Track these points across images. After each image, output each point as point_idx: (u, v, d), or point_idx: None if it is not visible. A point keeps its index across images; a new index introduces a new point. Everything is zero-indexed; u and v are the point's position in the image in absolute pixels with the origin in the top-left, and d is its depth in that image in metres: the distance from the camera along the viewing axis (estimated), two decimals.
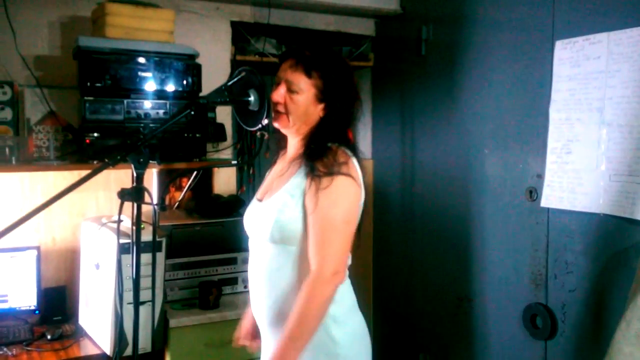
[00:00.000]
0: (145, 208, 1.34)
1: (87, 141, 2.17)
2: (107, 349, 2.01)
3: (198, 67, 2.36)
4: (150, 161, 1.32)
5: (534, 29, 2.15)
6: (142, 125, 2.23)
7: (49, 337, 2.12)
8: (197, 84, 2.35)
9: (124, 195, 1.29)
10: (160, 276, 2.09)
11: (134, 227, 1.32)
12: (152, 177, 2.64)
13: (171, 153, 2.31)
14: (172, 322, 2.18)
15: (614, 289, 1.89)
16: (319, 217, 1.48)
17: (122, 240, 1.78)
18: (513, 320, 2.26)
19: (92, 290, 2.14)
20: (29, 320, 2.27)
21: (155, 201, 1.36)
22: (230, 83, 1.54)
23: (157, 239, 2.02)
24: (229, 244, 2.53)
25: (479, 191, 2.44)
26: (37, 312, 2.29)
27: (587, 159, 1.95)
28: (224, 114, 2.75)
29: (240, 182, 2.95)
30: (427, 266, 2.78)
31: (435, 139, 2.70)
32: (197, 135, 2.38)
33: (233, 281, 2.50)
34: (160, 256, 2.07)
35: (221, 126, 2.70)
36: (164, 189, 2.71)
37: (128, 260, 1.87)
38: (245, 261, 2.47)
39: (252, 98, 1.55)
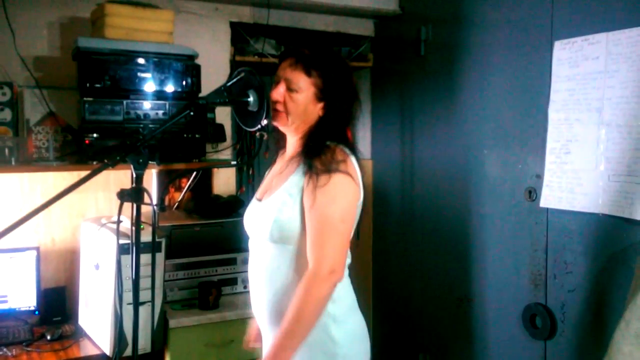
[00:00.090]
0: (144, 209, 1.34)
1: (87, 142, 2.18)
2: (107, 350, 2.01)
3: (197, 68, 2.36)
4: (150, 162, 1.32)
5: (533, 29, 2.15)
6: (141, 125, 2.23)
7: (48, 337, 2.12)
8: (196, 85, 2.35)
9: (123, 195, 1.29)
10: (159, 277, 2.10)
11: (134, 228, 1.32)
12: (151, 178, 2.64)
13: (170, 154, 2.32)
14: (172, 323, 2.19)
15: (613, 288, 1.89)
16: (317, 214, 1.48)
17: (121, 241, 1.79)
18: (512, 320, 2.26)
19: (92, 290, 2.14)
20: (29, 320, 2.28)
21: (154, 202, 1.36)
22: (229, 84, 1.54)
23: (157, 240, 2.02)
24: (229, 245, 2.53)
25: (478, 191, 2.44)
26: (36, 312, 2.29)
27: (586, 159, 1.95)
28: (223, 115, 2.75)
29: (239, 182, 2.95)
30: (426, 266, 2.78)
31: (435, 139, 2.70)
32: (197, 135, 2.38)
33: (232, 281, 2.50)
34: (160, 257, 2.07)
35: (220, 127, 2.70)
36: (163, 190, 2.71)
37: (128, 260, 1.87)
38: (244, 262, 2.48)
39: (251, 99, 1.55)
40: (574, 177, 1.99)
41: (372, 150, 3.22)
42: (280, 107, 1.57)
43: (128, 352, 1.87)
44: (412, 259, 2.88)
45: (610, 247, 1.90)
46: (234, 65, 2.78)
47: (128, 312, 1.89)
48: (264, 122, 1.54)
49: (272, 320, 1.58)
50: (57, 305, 2.33)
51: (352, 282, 1.66)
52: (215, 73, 2.66)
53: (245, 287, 2.50)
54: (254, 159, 2.91)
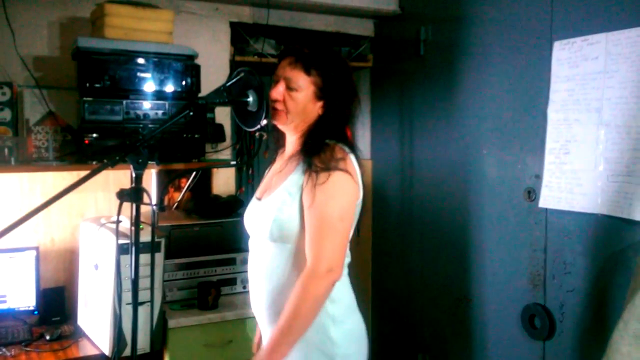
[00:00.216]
0: (144, 208, 1.34)
1: (86, 142, 2.18)
2: (106, 350, 2.01)
3: (197, 68, 2.36)
4: (149, 162, 1.32)
5: (533, 30, 2.16)
6: (141, 125, 2.23)
7: (47, 337, 2.12)
8: (196, 85, 2.35)
9: (122, 195, 1.30)
10: (159, 277, 2.10)
11: (133, 228, 1.32)
12: (151, 178, 2.64)
13: (170, 154, 2.32)
14: (171, 323, 2.18)
15: (612, 289, 1.89)
16: (315, 212, 1.48)
17: (121, 241, 1.79)
18: (511, 321, 2.26)
19: (91, 290, 2.14)
20: (28, 320, 2.28)
21: (154, 202, 1.36)
22: (229, 84, 1.55)
23: (156, 240, 2.02)
24: (228, 245, 2.53)
25: (477, 191, 2.44)
26: (36, 312, 2.29)
27: (585, 159, 1.95)
28: (223, 115, 2.75)
29: (239, 182, 2.95)
30: (425, 266, 2.78)
31: (434, 139, 2.70)
32: (196, 135, 2.38)
33: (232, 282, 2.50)
34: (159, 257, 2.07)
35: (220, 127, 2.70)
36: (162, 190, 2.71)
37: (127, 260, 1.87)
38: (244, 262, 2.48)
39: (250, 99, 1.55)
40: (573, 177, 1.99)
41: (372, 150, 3.22)
42: (279, 106, 1.58)
43: (127, 352, 1.87)
44: (411, 259, 2.88)
45: (609, 247, 1.90)
46: (234, 65, 2.78)
47: (127, 312, 1.89)
48: (264, 122, 1.55)
49: (271, 319, 1.58)
50: (56, 305, 2.33)
51: (352, 282, 1.66)
52: (215, 73, 2.67)
53: (244, 287, 2.50)
54: (253, 159, 2.90)
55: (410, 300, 2.89)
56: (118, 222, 1.43)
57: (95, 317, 2.10)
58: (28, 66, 2.35)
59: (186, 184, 2.78)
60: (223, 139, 2.73)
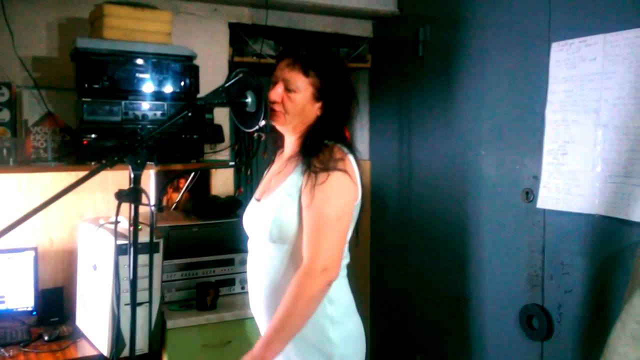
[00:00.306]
0: (142, 209, 1.34)
1: (85, 142, 2.18)
2: (105, 350, 2.01)
3: (196, 69, 2.36)
4: (148, 162, 1.33)
5: (530, 31, 2.16)
6: (139, 126, 2.23)
7: (46, 338, 2.12)
8: (194, 86, 2.35)
9: (121, 196, 1.30)
10: (157, 277, 2.09)
11: (132, 229, 1.32)
12: (149, 179, 2.64)
13: (169, 154, 2.32)
14: (170, 323, 2.18)
15: (610, 289, 1.90)
16: (313, 212, 1.49)
17: (119, 242, 1.78)
18: (509, 321, 2.26)
19: (90, 291, 2.14)
20: (26, 321, 2.27)
21: (152, 202, 1.36)
22: (227, 84, 1.55)
23: (155, 240, 2.02)
24: (227, 245, 2.53)
25: (475, 192, 2.45)
26: (34, 313, 2.29)
27: (583, 160, 1.96)
28: (221, 115, 2.75)
29: (238, 183, 2.95)
30: (424, 267, 2.79)
31: (433, 140, 2.71)
32: (195, 136, 2.38)
33: (230, 282, 2.50)
34: (158, 257, 2.07)
35: (219, 127, 2.71)
36: (161, 190, 2.71)
37: (125, 261, 1.87)
38: (242, 262, 2.48)
39: (249, 100, 1.56)
40: (571, 178, 2.00)
41: (370, 150, 3.23)
42: (278, 107, 1.58)
43: (125, 352, 1.87)
44: (410, 259, 2.88)
45: (606, 248, 1.90)
46: (233, 66, 2.79)
47: (126, 312, 1.88)
48: (262, 123, 1.55)
49: (269, 319, 1.58)
50: (55, 305, 2.32)
51: (350, 283, 1.66)
52: (213, 74, 2.67)
53: (243, 287, 2.50)
54: (252, 160, 2.91)
55: (409, 301, 2.89)
56: (117, 222, 1.43)
57: (94, 317, 2.10)
58: (27, 67, 2.35)
59: (185, 184, 2.78)
60: (222, 140, 2.73)
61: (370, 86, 3.23)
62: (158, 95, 2.29)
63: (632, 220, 1.79)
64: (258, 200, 1.67)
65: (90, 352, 2.07)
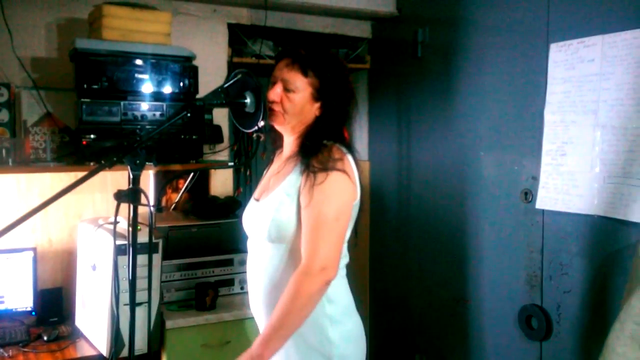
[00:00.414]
0: (141, 209, 1.34)
1: (84, 143, 2.18)
2: (104, 350, 2.01)
3: (195, 69, 2.36)
4: (147, 163, 1.33)
5: (529, 32, 2.17)
6: (138, 127, 2.23)
7: (45, 338, 2.12)
8: (193, 86, 2.35)
9: (120, 196, 1.30)
10: (156, 277, 2.10)
11: (131, 229, 1.32)
12: (148, 179, 2.64)
13: (168, 155, 2.32)
14: (169, 324, 2.19)
15: (609, 290, 1.90)
16: (312, 212, 1.49)
17: (118, 242, 1.79)
18: (509, 321, 2.26)
19: (89, 291, 2.14)
20: (26, 321, 2.27)
21: (151, 203, 1.36)
22: (226, 85, 1.55)
23: (154, 241, 2.02)
24: (226, 246, 2.53)
25: (474, 193, 2.45)
26: (33, 313, 2.29)
27: (581, 161, 1.96)
28: (220, 116, 2.76)
29: (237, 183, 2.95)
30: (423, 267, 2.79)
31: (431, 141, 2.71)
32: (194, 137, 2.39)
33: (230, 282, 2.51)
34: (157, 258, 2.07)
35: (218, 128, 2.71)
36: (160, 191, 2.71)
37: (124, 261, 1.86)
38: (241, 263, 2.48)
39: (248, 100, 1.56)
40: (569, 178, 2.00)
41: (370, 151, 3.23)
42: (277, 107, 1.58)
43: (125, 352, 1.87)
44: (409, 260, 2.88)
45: (605, 248, 1.91)
46: (232, 66, 2.79)
47: (125, 313, 1.88)
48: (261, 123, 1.55)
49: (269, 318, 1.59)
50: (54, 306, 2.33)
51: (349, 283, 1.66)
52: (212, 74, 2.67)
53: (242, 288, 2.50)
54: (251, 160, 2.91)
55: (408, 301, 2.90)
56: (116, 223, 1.43)
57: (93, 317, 2.10)
58: (26, 67, 2.35)
59: (184, 185, 2.78)
60: (221, 140, 2.73)
61: (369, 87, 3.23)
62: (157, 96, 2.29)
63: (630, 221, 1.79)
64: (257, 200, 1.67)
65: (90, 352, 2.07)
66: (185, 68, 2.33)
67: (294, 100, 1.57)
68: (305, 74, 1.57)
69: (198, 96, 2.37)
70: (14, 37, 2.30)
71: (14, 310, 2.26)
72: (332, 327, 1.56)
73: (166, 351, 2.18)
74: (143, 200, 1.31)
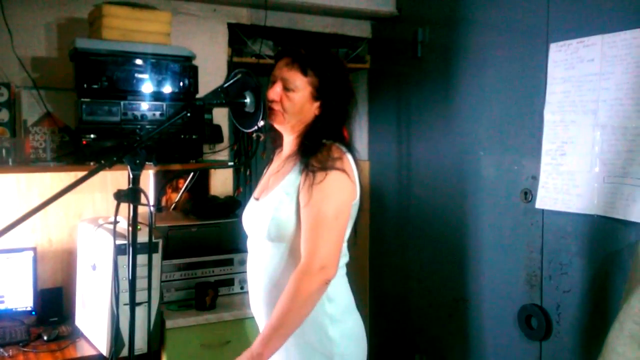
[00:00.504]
0: (141, 209, 1.34)
1: (84, 142, 2.18)
2: (104, 350, 2.02)
3: (195, 69, 2.36)
4: (147, 162, 1.33)
5: (529, 32, 2.17)
6: (138, 126, 2.23)
7: (45, 338, 2.12)
8: (193, 86, 2.35)
9: (120, 196, 1.30)
10: (156, 277, 2.10)
11: (130, 229, 1.32)
12: (148, 179, 2.65)
13: (168, 154, 2.32)
14: (169, 323, 2.19)
15: (608, 289, 1.90)
16: (311, 211, 1.49)
17: (118, 242, 1.79)
18: (508, 321, 2.27)
19: (89, 291, 2.14)
20: (26, 321, 2.27)
21: (151, 202, 1.36)
22: (226, 85, 1.55)
23: (154, 240, 2.02)
24: (226, 246, 2.53)
25: (474, 193, 2.45)
26: (33, 313, 2.29)
27: (581, 160, 1.96)
28: (220, 116, 2.76)
29: (237, 183, 2.95)
30: (423, 267, 2.79)
31: (431, 141, 2.71)
32: (194, 136, 2.39)
33: (229, 282, 2.51)
34: (157, 257, 2.08)
35: (218, 127, 2.71)
36: (160, 191, 2.71)
37: (124, 261, 1.86)
38: (241, 263, 2.48)
39: (248, 100, 1.56)
40: (569, 178, 2.00)
41: (369, 151, 3.23)
42: (276, 107, 1.58)
43: (125, 352, 1.87)
44: (409, 260, 2.88)
45: (605, 248, 1.91)
46: (232, 66, 2.79)
47: (125, 312, 1.88)
48: (261, 123, 1.55)
49: (269, 318, 1.59)
50: (54, 305, 2.33)
51: (349, 282, 1.67)
52: (212, 74, 2.67)
53: (242, 287, 2.50)
54: (251, 160, 2.91)
55: (408, 301, 2.90)
56: (115, 222, 1.43)
57: (93, 317, 2.10)
58: (26, 67, 2.35)
59: (184, 184, 2.78)
60: (221, 140, 2.73)
61: (369, 87, 3.23)
62: (157, 96, 2.29)
63: (630, 221, 1.79)
64: (257, 199, 1.67)
65: (90, 352, 2.07)
66: (185, 68, 2.33)
67: (294, 100, 1.57)
68: (304, 73, 1.57)
69: (198, 96, 2.37)
70: (14, 37, 2.30)
71: (14, 310, 2.26)
72: (332, 326, 1.56)
73: (166, 351, 2.19)
74: (143, 200, 1.31)
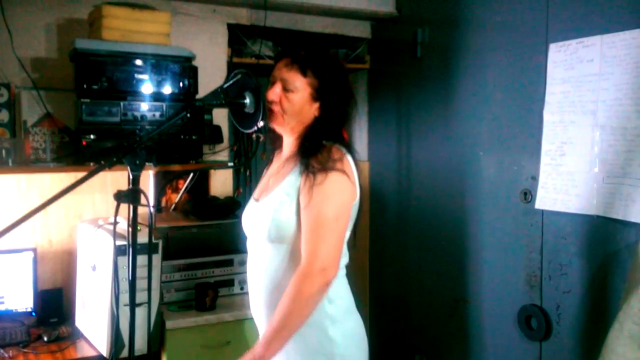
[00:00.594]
0: (141, 210, 1.35)
1: (84, 143, 2.18)
2: (104, 351, 2.02)
3: (194, 70, 2.36)
4: (147, 163, 1.33)
5: (528, 32, 2.17)
6: (138, 127, 2.23)
7: (45, 338, 2.12)
8: (193, 86, 2.36)
9: (120, 197, 1.30)
10: (156, 278, 2.10)
11: (130, 229, 1.32)
12: (148, 179, 2.65)
13: (167, 155, 2.32)
14: (169, 324, 2.19)
15: (608, 290, 1.90)
16: (312, 212, 1.49)
17: (118, 242, 1.79)
18: (508, 322, 2.27)
19: (89, 292, 2.14)
20: (26, 322, 2.27)
21: (151, 203, 1.36)
22: (226, 85, 1.55)
23: (154, 241, 2.02)
24: (226, 246, 2.54)
25: (474, 193, 2.45)
26: (33, 314, 2.29)
27: (580, 161, 1.96)
28: (220, 116, 2.76)
29: (236, 184, 2.95)
30: (423, 267, 2.79)
31: (431, 141, 2.71)
32: (194, 137, 2.39)
33: (229, 283, 2.51)
34: (157, 258, 2.08)
35: (218, 128, 2.71)
36: (160, 191, 2.71)
37: (124, 262, 1.87)
38: (241, 263, 2.48)
39: (247, 100, 1.56)
40: (568, 178, 2.00)
41: (369, 151, 3.23)
42: (276, 108, 1.59)
43: (125, 353, 1.87)
44: (409, 260, 2.88)
45: (604, 248, 1.91)
46: (231, 66, 2.79)
47: (125, 313, 1.88)
48: (261, 123, 1.55)
49: (269, 319, 1.59)
50: (54, 306, 2.33)
51: (349, 283, 1.67)
52: (212, 75, 2.67)
53: (242, 288, 2.50)
54: (250, 161, 2.92)
55: (408, 302, 2.90)
56: (115, 223, 1.43)
57: (93, 318, 2.10)
58: (26, 67, 2.35)
59: (184, 185, 2.78)
60: (220, 141, 2.73)
61: (369, 87, 3.23)
62: (157, 96, 2.29)
63: (629, 221, 1.79)
64: (257, 200, 1.67)
65: (90, 352, 2.07)
66: (184, 68, 2.33)
67: (293, 101, 1.57)
68: (304, 74, 1.57)
69: (198, 96, 2.37)
70: (14, 37, 2.30)
71: (14, 310, 2.26)
72: (333, 327, 1.56)
73: (166, 351, 2.19)
74: (143, 200, 1.31)
